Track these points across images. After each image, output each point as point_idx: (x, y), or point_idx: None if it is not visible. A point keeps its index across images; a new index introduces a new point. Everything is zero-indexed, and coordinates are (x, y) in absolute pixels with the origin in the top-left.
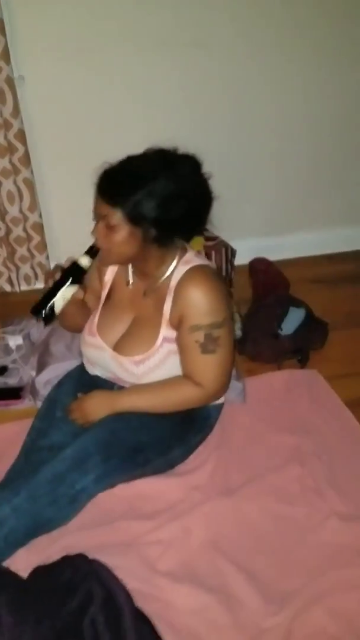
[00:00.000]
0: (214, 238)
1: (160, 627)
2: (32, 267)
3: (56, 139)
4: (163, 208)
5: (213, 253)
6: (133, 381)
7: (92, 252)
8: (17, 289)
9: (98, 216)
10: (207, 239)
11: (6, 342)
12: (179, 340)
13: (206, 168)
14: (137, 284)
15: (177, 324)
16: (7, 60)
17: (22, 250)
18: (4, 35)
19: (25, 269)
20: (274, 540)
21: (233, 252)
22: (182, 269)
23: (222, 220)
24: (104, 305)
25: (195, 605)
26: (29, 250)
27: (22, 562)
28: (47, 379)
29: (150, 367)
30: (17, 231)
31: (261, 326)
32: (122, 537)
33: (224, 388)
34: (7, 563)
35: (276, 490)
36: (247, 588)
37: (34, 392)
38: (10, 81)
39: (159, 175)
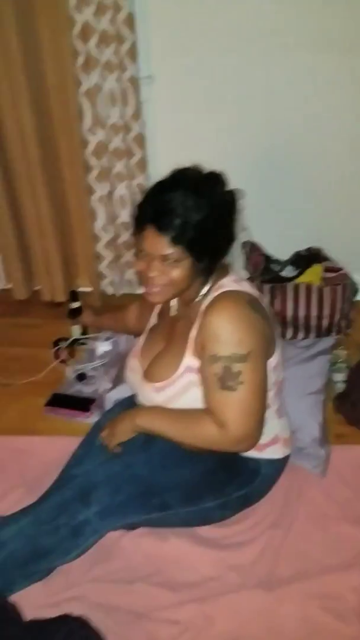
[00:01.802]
0: (337, 269)
1: None
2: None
3: (175, 144)
4: (217, 237)
5: (328, 289)
6: None
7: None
8: (118, 292)
9: (152, 254)
10: (328, 269)
11: (93, 348)
12: (200, 371)
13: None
14: (179, 310)
15: (201, 352)
16: (134, 58)
17: (128, 255)
18: (134, 31)
19: (129, 274)
20: None
21: (355, 288)
22: (214, 294)
23: (348, 249)
24: (152, 327)
25: None
26: (134, 256)
27: (33, 599)
28: (118, 397)
29: (169, 396)
30: (126, 236)
31: None
32: (138, 604)
33: (251, 435)
34: (18, 597)
35: (327, 598)
36: None
37: (101, 408)
38: (134, 81)
39: (210, 205)
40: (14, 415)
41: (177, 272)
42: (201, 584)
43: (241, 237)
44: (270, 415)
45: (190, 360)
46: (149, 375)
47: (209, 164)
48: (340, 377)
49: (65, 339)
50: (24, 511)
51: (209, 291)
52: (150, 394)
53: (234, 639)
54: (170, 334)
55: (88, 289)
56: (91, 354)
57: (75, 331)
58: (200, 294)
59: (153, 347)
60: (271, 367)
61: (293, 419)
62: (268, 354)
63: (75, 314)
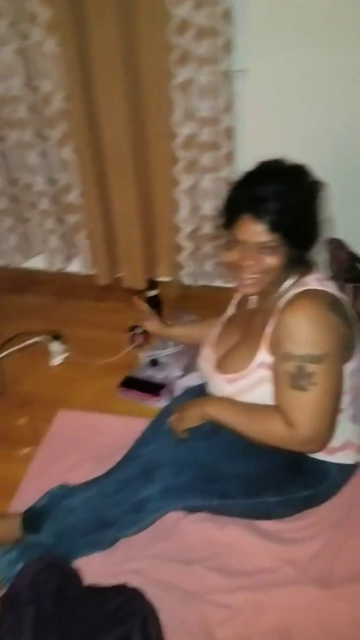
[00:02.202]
0: None
1: None
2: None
3: (264, 138)
4: (309, 226)
5: None
6: None
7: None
8: (196, 283)
9: (247, 243)
10: None
11: None
12: (273, 368)
13: None
14: (257, 303)
15: (275, 349)
16: (229, 52)
17: (208, 247)
18: (230, 25)
19: (208, 266)
20: None
21: None
22: (295, 291)
23: None
24: (229, 318)
25: None
26: (215, 249)
27: (94, 568)
28: (188, 384)
29: (240, 388)
30: (207, 228)
31: None
32: (192, 585)
33: (319, 437)
34: (81, 563)
35: None
36: None
37: (171, 394)
38: (227, 75)
39: (302, 194)
40: (89, 393)
41: (273, 261)
42: (255, 573)
43: (326, 234)
44: (345, 420)
45: (264, 355)
46: (221, 366)
47: (297, 158)
48: None
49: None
50: (91, 483)
51: (291, 287)
52: (222, 385)
53: (282, 630)
54: (246, 326)
55: (166, 279)
56: (164, 341)
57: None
58: (282, 288)
59: (228, 338)
60: (348, 371)
61: None
62: (345, 358)
63: (152, 301)
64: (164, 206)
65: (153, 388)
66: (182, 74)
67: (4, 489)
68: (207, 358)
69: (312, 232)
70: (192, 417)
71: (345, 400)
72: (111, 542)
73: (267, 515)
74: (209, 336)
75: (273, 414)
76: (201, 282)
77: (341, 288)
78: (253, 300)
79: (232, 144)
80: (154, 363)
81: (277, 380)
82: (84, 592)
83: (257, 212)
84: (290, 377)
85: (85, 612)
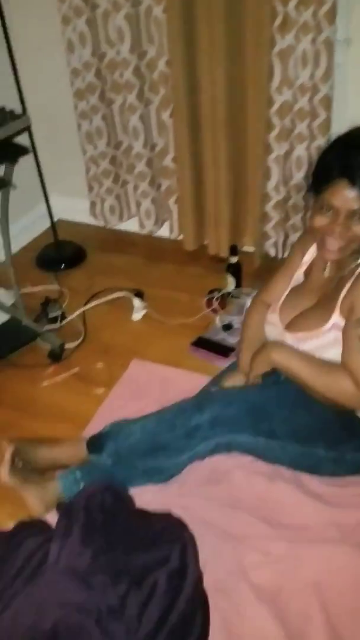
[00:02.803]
0: None
1: (215, 624)
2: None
3: None
4: None
5: None
6: None
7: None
8: (280, 255)
9: (339, 209)
10: None
11: (244, 302)
12: (343, 331)
13: None
14: (332, 272)
15: (348, 313)
16: (332, 21)
17: (295, 219)
18: None
19: (294, 237)
20: None
21: None
22: None
23: None
24: (295, 286)
25: (261, 631)
26: (303, 220)
27: (147, 498)
28: None
29: (311, 347)
30: (297, 198)
31: None
32: (236, 527)
33: None
34: (135, 493)
35: None
36: None
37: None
38: (329, 44)
39: None
40: (163, 348)
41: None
42: (300, 528)
43: None
44: None
45: (338, 318)
46: (292, 326)
47: None
48: None
49: (219, 290)
50: (151, 414)
51: None
52: (292, 344)
53: (318, 587)
54: (319, 293)
55: (251, 249)
56: (240, 307)
57: (230, 284)
58: None
59: (297, 304)
60: None
61: None
62: None
63: (232, 268)
64: (256, 173)
65: (223, 350)
66: (284, 41)
67: (78, 421)
68: (272, 322)
69: None
70: (260, 361)
71: None
72: (166, 476)
73: (316, 468)
74: (274, 303)
75: (342, 371)
76: (286, 254)
77: None
78: (325, 269)
79: (329, 113)
80: (227, 327)
81: (346, 344)
82: (133, 513)
83: (352, 178)
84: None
85: (131, 530)
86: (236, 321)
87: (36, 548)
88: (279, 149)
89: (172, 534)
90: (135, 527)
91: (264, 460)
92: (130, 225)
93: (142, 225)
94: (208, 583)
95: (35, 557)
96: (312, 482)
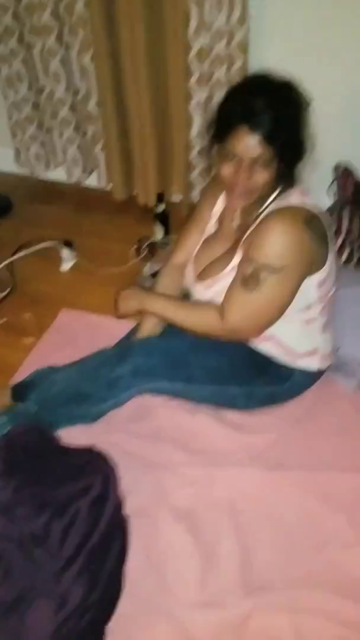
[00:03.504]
0: None
1: (135, 550)
2: None
3: (279, 54)
4: (302, 140)
5: None
6: None
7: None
8: None
9: (241, 156)
10: None
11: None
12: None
13: None
14: (239, 219)
15: (245, 252)
16: None
17: None
18: None
19: None
20: (288, 532)
21: None
22: (276, 205)
23: None
24: (207, 238)
25: (178, 546)
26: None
27: (74, 437)
28: None
29: (217, 291)
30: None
31: None
32: (158, 457)
33: (244, 331)
34: (62, 433)
35: (324, 491)
36: (233, 558)
37: None
38: None
39: (295, 107)
40: (93, 298)
41: (264, 176)
42: (214, 454)
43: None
44: (314, 329)
45: (238, 259)
46: (202, 275)
47: (310, 77)
48: None
49: (148, 239)
50: (74, 362)
51: (274, 201)
52: (201, 293)
53: (229, 503)
54: (229, 240)
55: (178, 198)
56: (169, 255)
57: (158, 232)
58: (267, 202)
59: (210, 253)
60: (315, 283)
61: (339, 336)
62: (312, 271)
63: (159, 216)
64: (178, 121)
65: None
66: None
67: (6, 371)
68: (189, 272)
69: (301, 146)
70: (126, 303)
71: (316, 310)
72: (91, 418)
73: (231, 405)
74: (189, 256)
75: (209, 308)
76: None
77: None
78: (236, 216)
79: (246, 58)
80: (156, 275)
81: (233, 278)
82: (56, 449)
83: (253, 124)
84: (242, 277)
85: (54, 464)
86: None
87: None
88: (199, 95)
89: (94, 466)
90: (58, 462)
91: (183, 400)
92: (58, 175)
93: (69, 173)
94: (131, 509)
95: None
96: (229, 413)
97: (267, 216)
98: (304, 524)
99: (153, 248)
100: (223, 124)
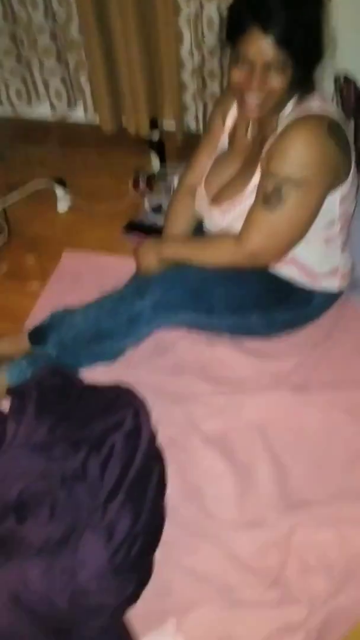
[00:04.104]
0: None
1: (172, 479)
2: None
3: None
4: (318, 42)
5: None
6: None
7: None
8: (201, 128)
9: (254, 60)
10: None
11: (171, 182)
12: (257, 187)
13: None
14: (255, 132)
15: (265, 168)
16: None
17: (213, 87)
18: None
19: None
20: (321, 449)
21: None
22: (296, 114)
23: None
24: (219, 155)
25: (214, 471)
26: (221, 87)
27: (96, 378)
28: None
29: (234, 217)
30: (212, 63)
31: None
32: (183, 389)
33: (266, 255)
34: (84, 373)
35: (352, 409)
36: (270, 477)
37: None
38: None
39: (310, 5)
40: (94, 237)
41: (279, 81)
42: (239, 381)
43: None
44: (334, 247)
45: (258, 178)
46: (217, 199)
47: None
48: None
49: (144, 171)
50: (91, 302)
51: (292, 110)
52: (217, 218)
53: (260, 427)
54: (243, 157)
55: (172, 127)
56: (168, 188)
57: (154, 162)
58: (283, 112)
59: (223, 172)
60: (338, 198)
61: (356, 253)
62: (335, 185)
63: (154, 144)
64: (167, 38)
65: (156, 231)
66: None
67: (16, 317)
68: (201, 196)
69: (319, 48)
70: (146, 260)
71: (335, 228)
72: (113, 356)
73: (252, 334)
74: (201, 176)
75: (224, 238)
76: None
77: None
78: (248, 131)
79: None
80: (157, 209)
81: (255, 199)
82: (83, 388)
83: (265, 23)
84: (264, 194)
85: (84, 402)
86: (165, 202)
87: None
88: (188, 9)
89: (124, 401)
90: (88, 400)
91: (203, 332)
92: (42, 112)
93: (53, 107)
94: (162, 440)
95: None
96: (248, 341)
97: (287, 126)
98: (335, 441)
99: (151, 181)
100: (234, 25)
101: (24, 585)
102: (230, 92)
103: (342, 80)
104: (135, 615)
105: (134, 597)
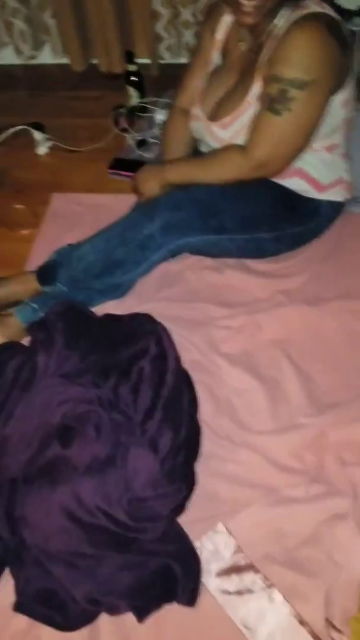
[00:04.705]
0: None
1: (202, 397)
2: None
3: None
4: None
5: None
6: None
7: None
8: (177, 58)
9: None
10: None
11: (152, 115)
12: (261, 95)
13: None
14: (249, 42)
15: (268, 73)
16: None
17: (186, 14)
18: None
19: (187, 36)
20: (342, 354)
21: None
22: (294, 16)
23: None
24: (214, 71)
25: (242, 386)
26: (194, 15)
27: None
28: None
29: (237, 130)
30: None
31: None
32: (198, 315)
33: (271, 162)
34: (96, 311)
35: None
36: (296, 385)
37: None
38: None
39: None
40: (82, 178)
41: None
42: (253, 302)
43: None
44: (338, 156)
45: (259, 87)
46: (215, 114)
47: None
48: None
49: (124, 107)
50: (98, 233)
51: (289, 15)
52: (218, 134)
53: (280, 342)
54: (238, 69)
55: (146, 60)
56: (151, 121)
57: (133, 97)
58: (278, 18)
59: (218, 88)
60: (341, 101)
61: (356, 167)
62: (337, 86)
63: (132, 78)
64: None
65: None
66: None
67: (15, 265)
68: (196, 116)
69: None
70: (148, 184)
71: (338, 136)
72: (123, 290)
73: (260, 251)
74: (195, 96)
75: (229, 150)
76: (182, 60)
77: None
78: (242, 40)
79: None
80: (141, 144)
81: (260, 108)
82: (104, 319)
83: None
84: (270, 99)
85: (107, 332)
86: (149, 136)
87: (22, 363)
88: None
89: (146, 329)
90: (110, 330)
91: (212, 256)
92: (8, 58)
93: (18, 51)
94: (186, 364)
95: (25, 370)
96: (255, 263)
97: (288, 29)
98: (354, 344)
99: (132, 117)
100: None
101: (78, 503)
102: (218, 3)
103: None
104: (185, 523)
105: (184, 505)
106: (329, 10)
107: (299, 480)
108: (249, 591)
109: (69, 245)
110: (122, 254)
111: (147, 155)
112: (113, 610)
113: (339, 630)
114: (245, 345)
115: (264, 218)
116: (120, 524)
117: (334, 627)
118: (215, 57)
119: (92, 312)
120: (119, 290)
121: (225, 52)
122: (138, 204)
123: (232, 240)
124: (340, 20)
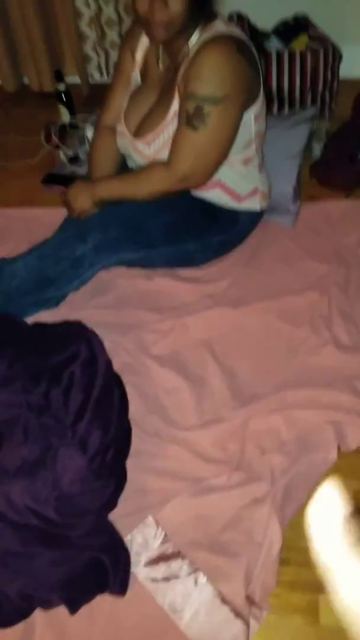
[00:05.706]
0: (320, 38)
1: (132, 397)
2: None
3: None
4: None
5: (309, 54)
6: None
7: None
8: (106, 77)
9: None
10: (313, 37)
11: (84, 133)
12: (179, 112)
13: None
14: (167, 62)
15: (183, 92)
16: None
17: (112, 35)
18: None
19: (115, 56)
20: (263, 351)
21: (336, 57)
22: (204, 37)
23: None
24: (136, 89)
25: (170, 385)
26: (120, 35)
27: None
28: None
29: (160, 146)
30: (109, 12)
31: (339, 147)
32: (129, 321)
33: (194, 174)
34: (29, 319)
35: (285, 312)
36: (221, 382)
37: None
38: None
39: None
40: (14, 193)
41: (177, 6)
42: (181, 306)
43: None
44: (253, 168)
45: (178, 104)
46: (139, 131)
47: None
48: (319, 147)
49: (55, 124)
50: (30, 250)
51: (200, 36)
52: (142, 151)
53: (206, 342)
54: (158, 88)
55: (75, 79)
56: (81, 137)
57: (64, 114)
58: (191, 39)
59: (140, 106)
60: (253, 116)
61: (270, 178)
62: (249, 102)
63: (62, 96)
64: None
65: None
66: None
67: None
68: (122, 134)
69: None
70: (79, 201)
71: (253, 148)
72: (55, 302)
73: (190, 261)
74: (118, 115)
75: (153, 166)
76: (111, 78)
77: None
78: (159, 60)
79: None
80: (73, 160)
81: (178, 124)
82: (33, 327)
83: None
84: (187, 116)
85: (37, 339)
86: (80, 152)
87: None
88: None
89: (75, 334)
90: (40, 337)
91: (143, 268)
92: None
93: None
94: (117, 366)
95: None
96: (183, 271)
97: (199, 48)
98: (275, 341)
99: (63, 134)
100: None
101: (7, 504)
102: (137, 25)
103: (235, 18)
104: (117, 517)
105: (113, 501)
106: (237, 30)
107: (223, 469)
108: (176, 577)
109: (2, 259)
110: (54, 272)
111: (81, 170)
112: (46, 605)
113: (258, 606)
114: (173, 347)
115: (189, 230)
116: (50, 521)
117: (253, 603)
118: (136, 77)
119: (23, 321)
120: (51, 302)
121: (144, 72)
122: (69, 219)
123: (162, 253)
124: (248, 39)
